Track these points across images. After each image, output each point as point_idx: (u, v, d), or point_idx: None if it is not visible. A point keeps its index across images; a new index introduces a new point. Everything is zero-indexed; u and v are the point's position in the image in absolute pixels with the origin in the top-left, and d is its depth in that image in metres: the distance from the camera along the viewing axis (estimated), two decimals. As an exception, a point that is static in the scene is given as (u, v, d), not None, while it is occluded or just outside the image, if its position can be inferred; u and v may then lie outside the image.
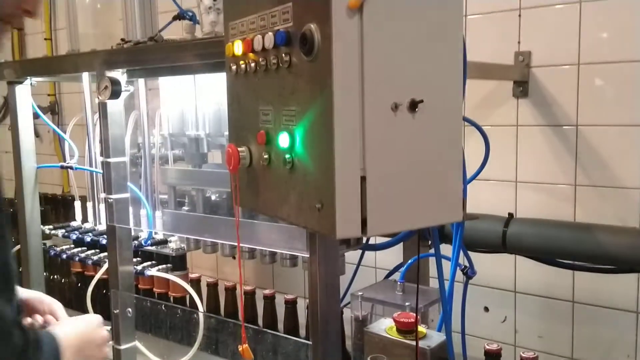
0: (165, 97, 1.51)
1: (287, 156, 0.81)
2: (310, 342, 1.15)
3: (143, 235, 1.63)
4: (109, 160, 1.42)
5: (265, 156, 0.87)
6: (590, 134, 1.58)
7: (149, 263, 1.69)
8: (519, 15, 1.65)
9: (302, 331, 1.66)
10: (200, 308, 1.57)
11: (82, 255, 1.79)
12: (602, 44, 1.54)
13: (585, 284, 1.61)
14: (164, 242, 1.69)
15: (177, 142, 1.53)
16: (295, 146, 0.80)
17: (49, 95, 2.88)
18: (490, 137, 1.30)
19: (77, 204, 1.82)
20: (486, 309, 1.79)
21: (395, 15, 0.73)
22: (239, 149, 0.92)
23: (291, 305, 1.64)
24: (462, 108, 0.80)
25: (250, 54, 0.87)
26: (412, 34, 0.75)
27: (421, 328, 1.10)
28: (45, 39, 2.90)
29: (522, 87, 1.66)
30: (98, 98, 1.37)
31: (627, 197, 1.54)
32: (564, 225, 1.47)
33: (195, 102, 1.45)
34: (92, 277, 1.70)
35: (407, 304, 1.20)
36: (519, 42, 1.65)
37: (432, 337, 1.09)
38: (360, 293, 1.29)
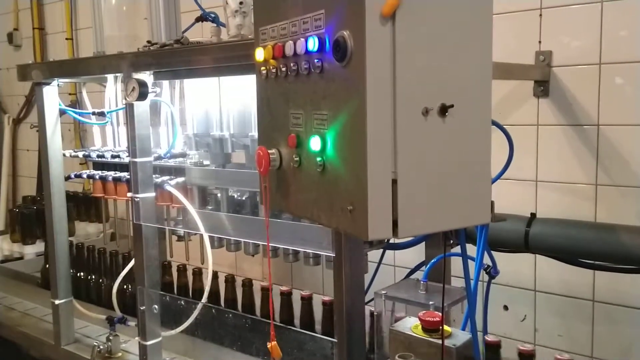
0: (190, 97, 1.53)
1: (319, 159, 0.83)
2: (335, 340, 1.17)
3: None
4: (135, 160, 1.45)
5: (296, 159, 0.88)
6: (612, 133, 1.58)
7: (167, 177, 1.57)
8: (540, 15, 1.65)
9: (317, 327, 1.67)
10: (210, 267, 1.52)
11: (102, 173, 1.72)
12: (623, 43, 1.54)
13: (606, 282, 1.61)
14: (183, 155, 1.59)
15: (201, 142, 1.55)
16: (327, 149, 0.81)
17: (70, 94, 2.92)
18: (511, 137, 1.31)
19: (96, 129, 1.79)
20: (506, 308, 1.80)
21: (427, 22, 0.75)
22: (269, 151, 0.94)
23: (307, 301, 1.65)
24: (491, 112, 0.81)
25: (281, 59, 0.89)
26: (442, 41, 0.76)
27: (446, 327, 1.12)
28: (66, 38, 2.93)
29: (543, 87, 1.66)
30: (125, 99, 1.40)
31: (648, 196, 1.54)
32: (586, 226, 1.47)
33: (220, 103, 1.47)
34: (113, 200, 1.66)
35: (431, 302, 1.22)
36: (539, 42, 1.66)
37: (458, 336, 1.11)
38: (384, 292, 1.31)
